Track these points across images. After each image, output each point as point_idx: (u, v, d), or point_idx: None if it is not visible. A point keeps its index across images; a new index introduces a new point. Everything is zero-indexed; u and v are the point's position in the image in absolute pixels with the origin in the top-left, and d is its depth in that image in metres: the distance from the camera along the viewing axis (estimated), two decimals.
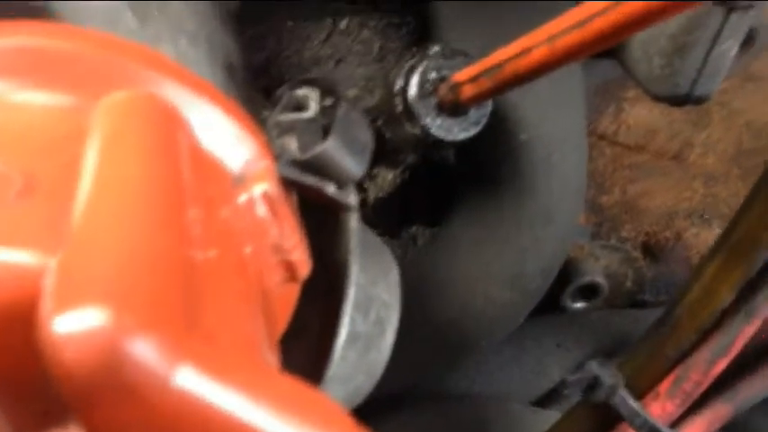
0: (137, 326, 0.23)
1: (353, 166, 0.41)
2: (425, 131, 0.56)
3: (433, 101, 0.57)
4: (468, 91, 0.54)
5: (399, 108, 0.58)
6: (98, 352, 0.22)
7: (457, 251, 0.73)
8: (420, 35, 0.74)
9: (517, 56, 0.50)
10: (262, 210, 0.36)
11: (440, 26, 0.66)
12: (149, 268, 0.25)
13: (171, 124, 0.33)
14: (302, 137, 0.44)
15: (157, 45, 0.41)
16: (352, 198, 0.41)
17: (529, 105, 0.70)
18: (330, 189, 0.40)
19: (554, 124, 0.71)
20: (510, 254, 0.73)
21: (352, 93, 0.71)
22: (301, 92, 0.47)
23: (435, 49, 0.60)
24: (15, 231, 0.26)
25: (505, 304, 0.75)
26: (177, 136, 0.33)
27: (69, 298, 0.23)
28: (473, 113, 0.58)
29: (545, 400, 1.01)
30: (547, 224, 0.74)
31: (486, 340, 0.80)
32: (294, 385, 0.26)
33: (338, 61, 0.73)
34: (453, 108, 0.56)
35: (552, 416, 0.84)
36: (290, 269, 0.38)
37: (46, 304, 0.23)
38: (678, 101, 0.63)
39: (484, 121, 0.58)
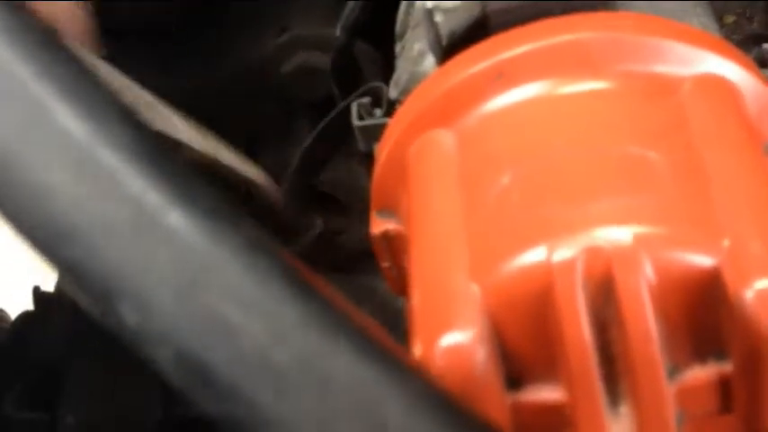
0: None
1: None
2: None
3: None
4: None
5: None
6: None
7: None
8: None
9: None
10: None
11: None
12: None
13: (738, 102, 0.40)
14: None
15: None
16: None
17: None
18: None
19: None
20: None
21: (729, 19, 0.74)
22: None
23: None
24: (685, 212, 0.35)
25: None
26: (743, 112, 0.40)
27: (754, 273, 0.32)
28: None
29: None
30: None
31: None
32: None
33: None
34: None
35: None
36: None
37: (734, 275, 0.32)
38: None
39: None
